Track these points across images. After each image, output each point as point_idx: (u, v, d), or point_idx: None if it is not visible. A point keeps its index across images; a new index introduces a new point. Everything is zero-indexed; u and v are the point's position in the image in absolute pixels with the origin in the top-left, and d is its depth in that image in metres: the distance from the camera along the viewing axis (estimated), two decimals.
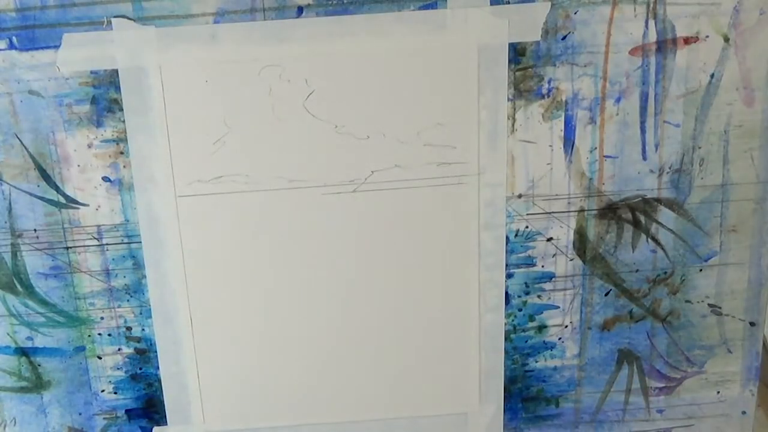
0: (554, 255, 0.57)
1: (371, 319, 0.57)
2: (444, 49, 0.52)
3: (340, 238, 0.55)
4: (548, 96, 0.54)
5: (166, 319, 0.57)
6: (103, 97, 0.52)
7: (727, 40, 0.53)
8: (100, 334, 0.57)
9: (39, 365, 0.58)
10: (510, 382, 0.60)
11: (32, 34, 0.50)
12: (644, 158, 0.55)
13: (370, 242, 0.56)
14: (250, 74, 0.52)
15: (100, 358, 0.58)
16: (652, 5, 0.52)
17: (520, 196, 0.56)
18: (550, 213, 0.56)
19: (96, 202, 0.54)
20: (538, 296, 0.58)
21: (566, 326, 0.59)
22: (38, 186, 0.54)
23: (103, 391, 0.59)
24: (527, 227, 0.56)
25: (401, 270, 0.57)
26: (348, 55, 0.52)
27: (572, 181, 0.56)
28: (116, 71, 0.51)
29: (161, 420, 0.59)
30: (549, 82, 0.53)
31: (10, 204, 0.54)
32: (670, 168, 0.56)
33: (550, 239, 0.57)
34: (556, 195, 0.56)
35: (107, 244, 0.55)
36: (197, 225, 0.55)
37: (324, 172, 0.54)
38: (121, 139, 0.53)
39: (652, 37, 0.53)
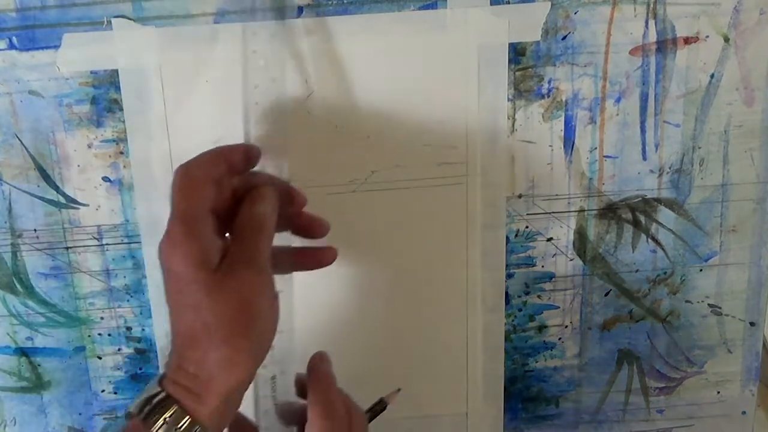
0: (554, 255, 0.57)
1: (371, 318, 0.57)
2: (444, 49, 0.52)
3: (340, 238, 0.55)
4: (548, 96, 0.54)
5: (166, 319, 0.56)
6: (103, 97, 0.52)
7: (727, 40, 0.53)
8: (100, 334, 0.57)
9: (39, 365, 0.58)
10: (510, 382, 0.60)
11: (32, 34, 0.50)
12: (644, 158, 0.55)
13: (370, 242, 0.56)
14: (250, 74, 0.52)
15: (100, 358, 0.58)
16: (652, 5, 0.52)
17: (520, 196, 0.56)
18: (550, 213, 0.56)
19: (96, 202, 0.54)
20: (538, 296, 0.58)
21: (566, 326, 0.59)
22: (38, 186, 0.54)
23: (103, 391, 0.59)
24: (527, 227, 0.56)
25: (401, 270, 0.56)
26: (348, 55, 0.52)
27: (572, 181, 0.56)
28: (116, 71, 0.51)
29: None
30: (549, 82, 0.53)
31: (10, 204, 0.54)
32: (670, 168, 0.56)
33: (550, 239, 0.57)
34: (556, 195, 0.56)
35: (107, 244, 0.55)
36: None
37: (324, 172, 0.54)
38: (121, 139, 0.53)
39: (652, 37, 0.53)
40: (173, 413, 0.41)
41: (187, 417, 0.41)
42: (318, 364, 0.48)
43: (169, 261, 0.41)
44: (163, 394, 0.42)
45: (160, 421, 0.41)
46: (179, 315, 0.42)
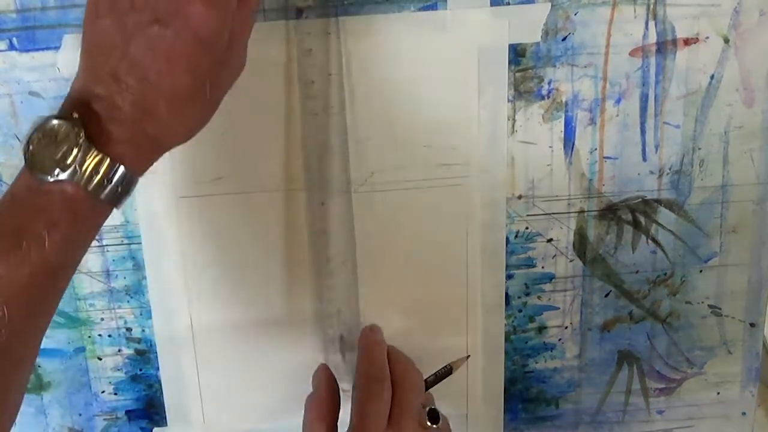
0: (554, 256, 0.57)
1: (371, 319, 0.57)
2: (444, 50, 0.52)
3: (341, 239, 0.55)
4: (548, 97, 0.54)
5: (166, 319, 0.57)
6: None
7: (727, 41, 0.53)
8: (100, 335, 0.57)
9: (39, 366, 0.58)
10: (510, 383, 0.60)
11: (32, 35, 0.50)
12: (644, 159, 0.55)
13: (370, 243, 0.55)
14: (250, 74, 0.51)
15: (100, 359, 0.58)
16: (652, 6, 0.52)
17: (520, 197, 0.56)
18: (550, 214, 0.56)
19: None
20: (538, 297, 0.58)
21: (566, 327, 0.59)
22: None
23: (103, 392, 0.59)
24: (527, 228, 0.56)
25: (401, 271, 0.56)
26: (348, 56, 0.51)
27: (572, 182, 0.56)
28: None
29: (161, 421, 0.59)
30: (549, 83, 0.53)
31: None
32: (670, 169, 0.56)
33: (550, 240, 0.57)
34: (556, 196, 0.56)
35: (107, 245, 0.55)
36: (197, 225, 0.55)
37: (326, 177, 0.54)
38: None
39: (652, 38, 0.53)
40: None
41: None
42: (366, 332, 0.55)
43: None
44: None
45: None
46: None
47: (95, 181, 0.38)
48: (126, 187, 0.39)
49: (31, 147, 0.38)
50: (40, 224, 0.37)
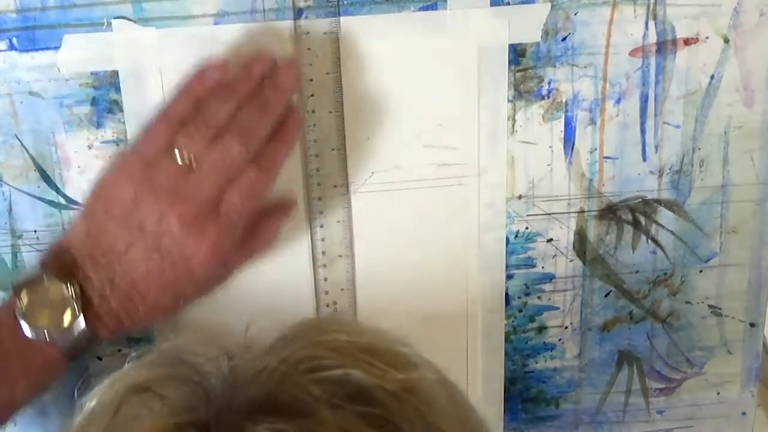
0: (554, 256, 0.57)
1: (371, 320, 0.57)
2: (444, 50, 0.52)
3: (340, 239, 0.55)
4: (548, 97, 0.54)
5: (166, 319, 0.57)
6: (104, 98, 0.52)
7: (727, 41, 0.53)
8: None
9: None
10: (510, 383, 0.60)
11: (32, 35, 0.50)
12: (644, 159, 0.55)
13: (369, 244, 0.55)
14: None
15: (100, 359, 0.58)
16: (652, 6, 0.52)
17: (520, 197, 0.56)
18: (550, 214, 0.56)
19: None
20: (538, 297, 0.58)
21: (566, 327, 0.59)
22: (38, 187, 0.53)
23: None
24: (527, 228, 0.56)
25: (401, 271, 0.56)
26: (348, 56, 0.52)
27: (572, 182, 0.56)
28: (117, 72, 0.51)
29: None
30: (549, 83, 0.53)
31: (10, 205, 0.54)
32: (670, 169, 0.56)
33: (550, 240, 0.57)
34: (556, 196, 0.56)
35: None
36: None
37: (324, 173, 0.54)
38: (121, 140, 0.53)
39: (652, 38, 0.53)
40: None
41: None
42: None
43: None
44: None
45: None
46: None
47: (76, 350, 0.44)
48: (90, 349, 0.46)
49: (24, 297, 0.43)
50: (18, 372, 0.43)
